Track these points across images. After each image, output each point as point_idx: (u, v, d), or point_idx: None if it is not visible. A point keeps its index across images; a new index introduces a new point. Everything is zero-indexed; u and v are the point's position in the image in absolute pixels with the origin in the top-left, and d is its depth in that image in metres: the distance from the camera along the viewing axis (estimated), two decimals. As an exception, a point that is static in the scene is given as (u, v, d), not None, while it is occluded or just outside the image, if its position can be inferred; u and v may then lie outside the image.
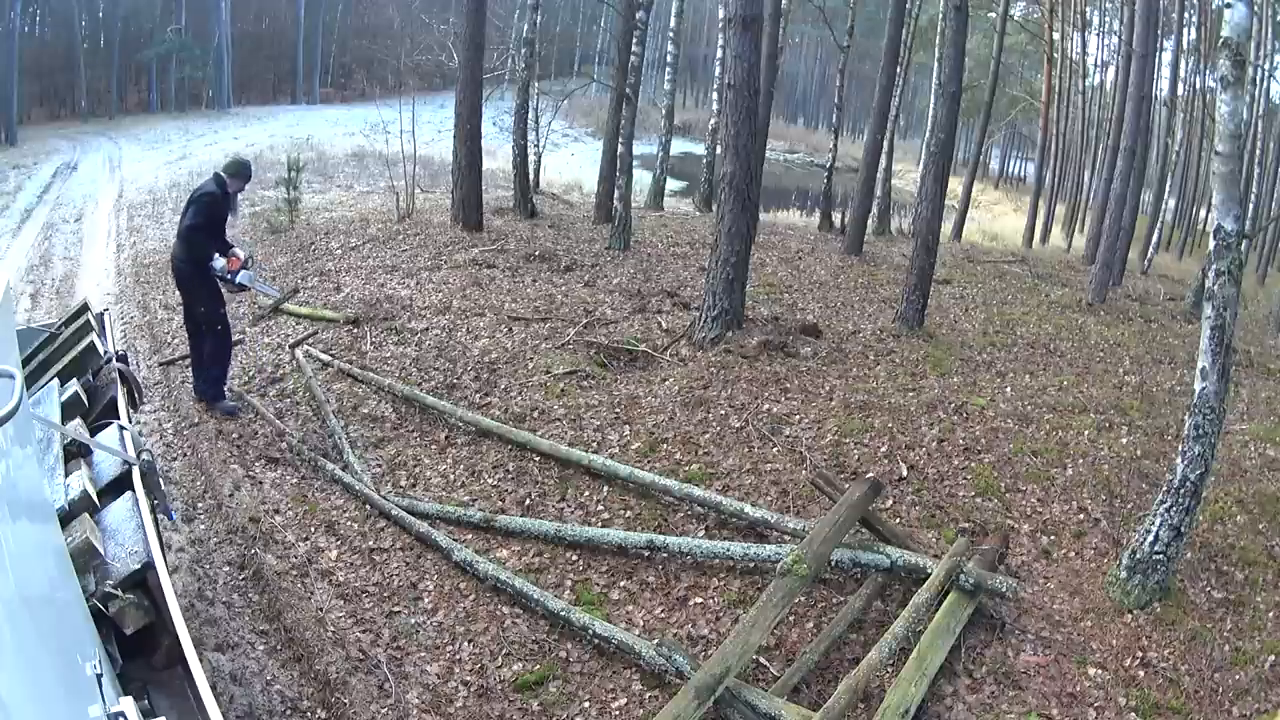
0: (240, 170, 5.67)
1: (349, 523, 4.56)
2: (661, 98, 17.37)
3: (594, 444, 5.32)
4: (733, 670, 3.08)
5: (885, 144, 14.26)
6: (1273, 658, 3.59)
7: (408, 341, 6.87)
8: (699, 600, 3.96)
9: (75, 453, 2.62)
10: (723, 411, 5.64)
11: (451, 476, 5.08)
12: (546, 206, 13.54)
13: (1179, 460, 3.87)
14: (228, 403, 5.77)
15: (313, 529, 4.48)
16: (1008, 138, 34.27)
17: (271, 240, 10.44)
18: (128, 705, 1.53)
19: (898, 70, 14.60)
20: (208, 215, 5.55)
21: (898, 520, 4.48)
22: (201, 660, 2.30)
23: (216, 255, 5.56)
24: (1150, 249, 17.43)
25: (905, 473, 4.96)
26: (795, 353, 6.73)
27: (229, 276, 5.63)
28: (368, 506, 4.69)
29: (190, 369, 6.07)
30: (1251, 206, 16.17)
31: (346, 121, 23.73)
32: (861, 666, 3.25)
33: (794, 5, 18.41)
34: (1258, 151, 18.25)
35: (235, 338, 6.36)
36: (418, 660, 3.60)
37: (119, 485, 2.50)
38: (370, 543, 4.39)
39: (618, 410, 5.72)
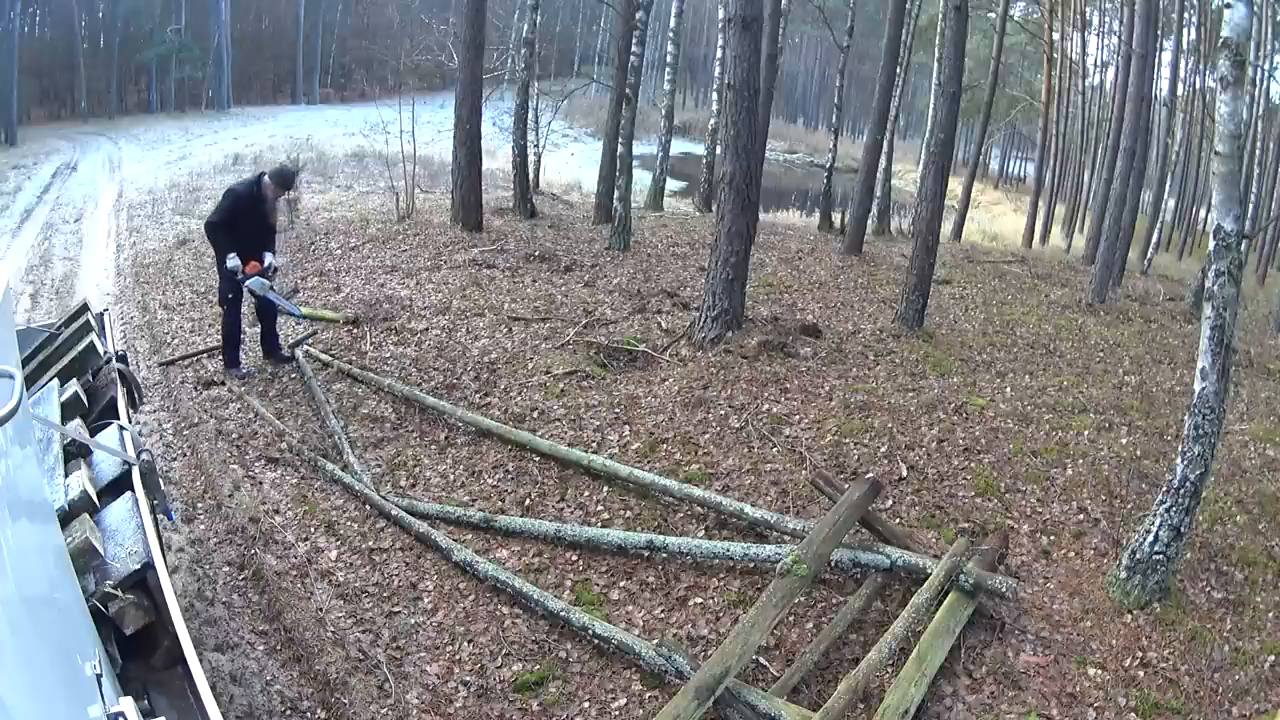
0: (277, 176, 6.02)
1: (349, 523, 4.56)
2: (661, 98, 17.37)
3: (594, 444, 5.32)
4: (732, 670, 3.08)
5: (885, 144, 14.27)
6: (1273, 658, 3.59)
7: (407, 341, 6.88)
8: (699, 600, 3.96)
9: (75, 453, 2.62)
10: (722, 412, 5.64)
11: (451, 477, 5.08)
12: (546, 206, 13.54)
13: (1179, 460, 3.87)
14: (239, 370, 6.23)
15: (312, 529, 4.48)
16: (1008, 138, 34.27)
17: (271, 240, 10.44)
18: (128, 705, 1.53)
19: (898, 70, 14.60)
20: (228, 211, 5.89)
21: (898, 520, 4.48)
22: (201, 660, 2.30)
23: (233, 255, 5.87)
24: (1150, 249, 17.42)
25: (905, 473, 4.96)
26: (795, 353, 6.73)
27: (240, 277, 5.93)
28: (367, 507, 4.69)
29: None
30: (1251, 206, 16.18)
31: (346, 121, 23.75)
32: (861, 667, 3.25)
33: (794, 5, 18.42)
34: (1258, 151, 18.25)
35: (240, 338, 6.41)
36: (418, 660, 3.60)
37: (119, 485, 2.50)
38: (370, 543, 4.39)
39: (617, 410, 5.72)
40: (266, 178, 5.97)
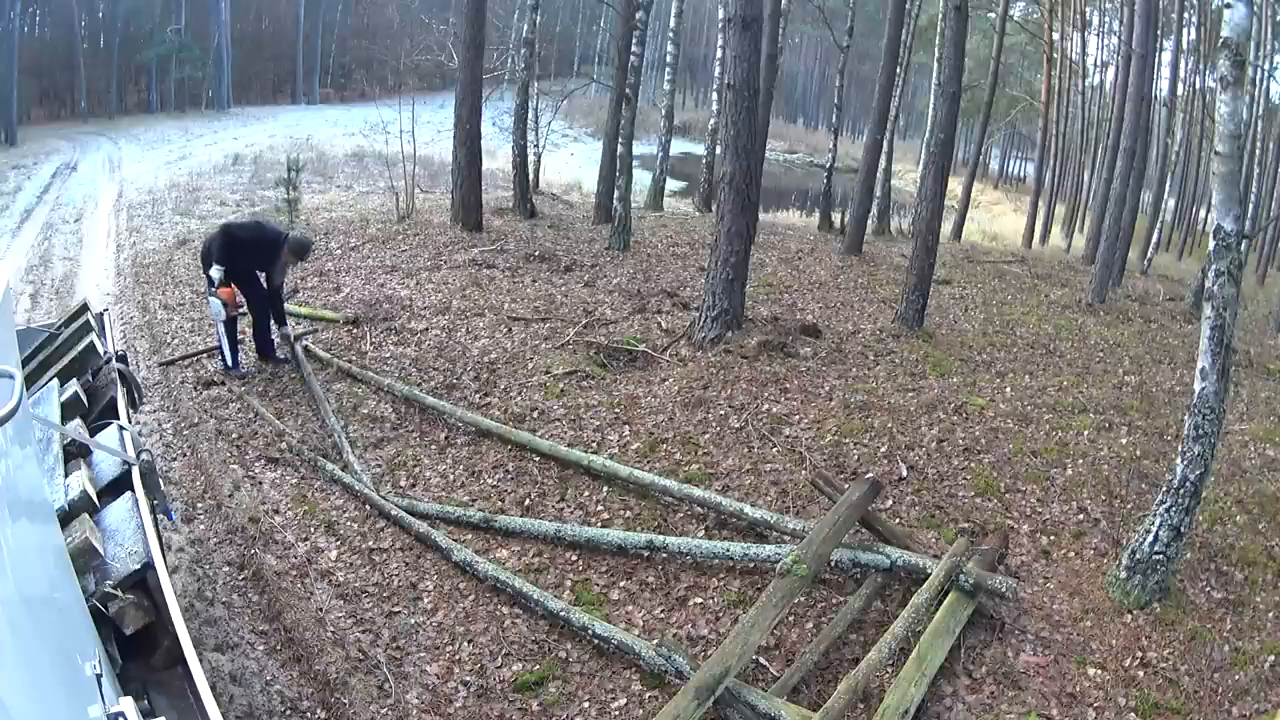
0: (295, 245, 6.34)
1: (349, 523, 4.56)
2: (661, 98, 17.36)
3: (594, 444, 5.32)
4: (732, 670, 3.08)
5: (885, 144, 14.27)
6: (1273, 658, 3.59)
7: (407, 341, 6.88)
8: (699, 600, 3.96)
9: (75, 453, 2.62)
10: (722, 412, 5.64)
11: (451, 477, 5.08)
12: (546, 206, 13.54)
13: (1179, 460, 3.87)
14: (238, 370, 6.32)
15: (312, 529, 4.48)
16: (1008, 138, 34.26)
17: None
18: (127, 705, 1.53)
19: (898, 70, 14.60)
20: (218, 245, 6.08)
21: (897, 520, 4.48)
22: (201, 660, 2.30)
23: (219, 267, 6.01)
24: (1150, 249, 17.41)
25: (905, 473, 4.96)
26: (795, 353, 6.73)
27: (211, 288, 6.09)
28: (367, 506, 4.69)
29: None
30: (1251, 206, 16.18)
31: (346, 121, 23.76)
32: (861, 667, 3.25)
33: (794, 5, 18.42)
34: (1258, 151, 18.24)
35: (238, 337, 6.45)
36: (417, 660, 3.60)
37: (119, 485, 2.50)
38: (370, 543, 4.39)
39: (617, 410, 5.72)
40: (289, 242, 6.25)
